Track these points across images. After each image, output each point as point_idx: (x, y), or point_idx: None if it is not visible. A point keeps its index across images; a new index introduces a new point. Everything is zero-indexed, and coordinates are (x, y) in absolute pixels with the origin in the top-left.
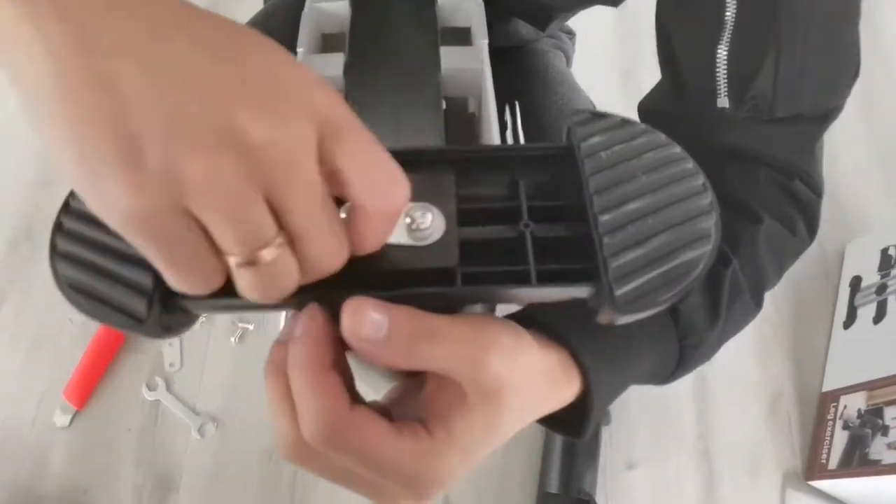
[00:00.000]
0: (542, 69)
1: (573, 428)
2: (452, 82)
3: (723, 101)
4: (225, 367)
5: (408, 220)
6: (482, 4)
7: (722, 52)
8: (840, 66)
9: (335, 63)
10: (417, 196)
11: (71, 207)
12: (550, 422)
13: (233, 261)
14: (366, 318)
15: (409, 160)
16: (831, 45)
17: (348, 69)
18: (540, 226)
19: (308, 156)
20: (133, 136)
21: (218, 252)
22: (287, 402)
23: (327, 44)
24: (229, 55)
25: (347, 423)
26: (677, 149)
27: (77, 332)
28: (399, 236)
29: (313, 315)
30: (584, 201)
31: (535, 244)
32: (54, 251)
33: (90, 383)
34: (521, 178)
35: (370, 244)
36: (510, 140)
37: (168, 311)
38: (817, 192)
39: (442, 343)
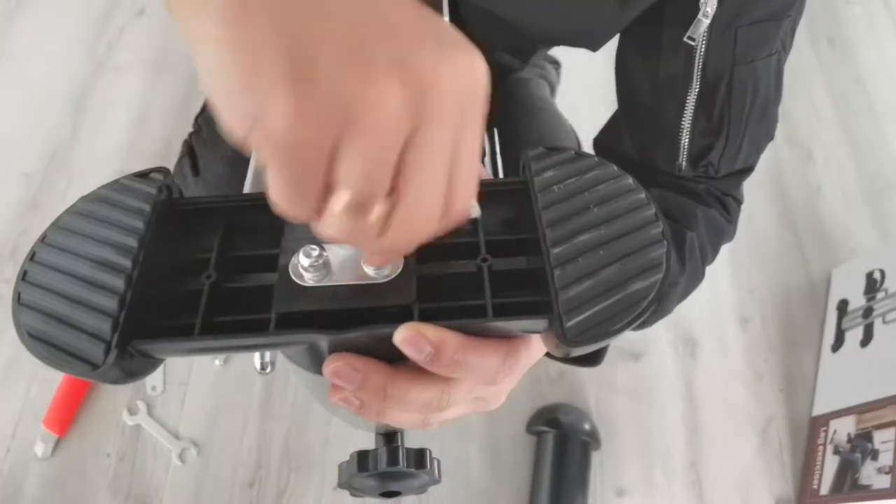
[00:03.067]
0: (523, 97)
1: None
2: None
3: (680, 163)
4: (208, 390)
5: (364, 257)
6: None
7: (685, 125)
8: (764, 136)
9: None
10: None
11: (37, 257)
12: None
13: (343, 198)
14: (421, 341)
15: None
16: (761, 123)
17: None
18: (498, 259)
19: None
20: (309, 59)
21: (329, 185)
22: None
23: None
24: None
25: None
26: (629, 180)
27: None
28: (358, 275)
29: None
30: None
31: (492, 277)
32: (18, 301)
33: (71, 409)
34: (480, 213)
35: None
36: (488, 166)
37: (128, 356)
38: (740, 203)
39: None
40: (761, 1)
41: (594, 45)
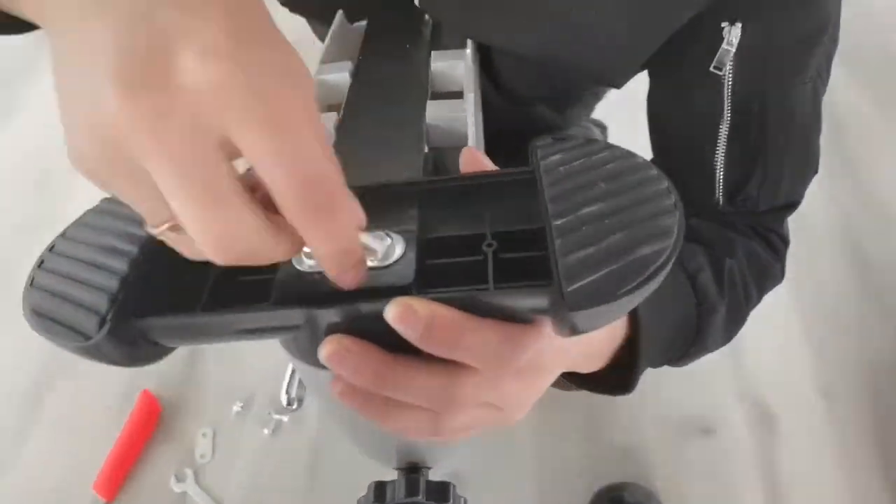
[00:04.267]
0: None
1: (620, 382)
2: (440, 132)
3: (717, 198)
4: (255, 460)
5: (365, 244)
6: (473, 68)
7: (719, 158)
8: (807, 169)
9: (329, 120)
10: (378, 226)
11: (55, 249)
12: (595, 384)
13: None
14: (411, 316)
15: (373, 194)
16: (802, 154)
17: (340, 124)
18: (504, 250)
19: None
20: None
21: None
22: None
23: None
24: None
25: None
26: (640, 159)
27: (113, 418)
28: None
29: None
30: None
31: (497, 265)
32: (31, 285)
33: (120, 474)
34: (487, 206)
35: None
36: None
37: (126, 334)
38: (786, 242)
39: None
40: (788, 26)
41: (615, 81)
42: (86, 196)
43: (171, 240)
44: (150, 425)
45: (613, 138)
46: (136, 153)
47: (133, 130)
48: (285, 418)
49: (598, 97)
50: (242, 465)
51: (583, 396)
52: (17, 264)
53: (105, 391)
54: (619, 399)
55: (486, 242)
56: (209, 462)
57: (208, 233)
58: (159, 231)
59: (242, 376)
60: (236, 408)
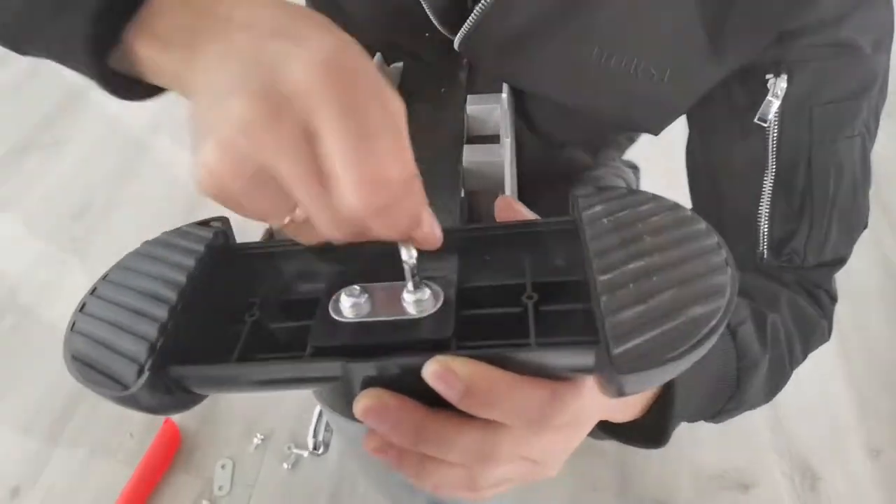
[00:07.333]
0: None
1: (654, 433)
2: (477, 176)
3: (762, 251)
4: (274, 494)
5: (405, 295)
6: (508, 112)
7: (763, 210)
8: (856, 225)
9: None
10: (416, 274)
11: (96, 292)
12: (627, 435)
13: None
14: (450, 376)
15: None
16: (850, 209)
17: None
18: (545, 302)
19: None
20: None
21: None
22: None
23: None
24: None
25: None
26: (687, 212)
27: (134, 447)
28: (397, 311)
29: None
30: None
31: (538, 319)
32: (71, 329)
33: (139, 503)
34: (527, 255)
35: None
36: None
37: (163, 384)
38: (833, 299)
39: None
40: (836, 79)
41: (654, 128)
42: (120, 230)
43: (292, 230)
44: (171, 455)
45: (645, 179)
46: (263, 154)
47: (256, 130)
48: (305, 453)
49: (632, 140)
50: (260, 500)
51: (616, 448)
52: (49, 291)
53: (129, 418)
54: (654, 451)
55: (527, 294)
56: (227, 495)
57: (329, 213)
58: (283, 225)
59: (263, 409)
60: (256, 440)
